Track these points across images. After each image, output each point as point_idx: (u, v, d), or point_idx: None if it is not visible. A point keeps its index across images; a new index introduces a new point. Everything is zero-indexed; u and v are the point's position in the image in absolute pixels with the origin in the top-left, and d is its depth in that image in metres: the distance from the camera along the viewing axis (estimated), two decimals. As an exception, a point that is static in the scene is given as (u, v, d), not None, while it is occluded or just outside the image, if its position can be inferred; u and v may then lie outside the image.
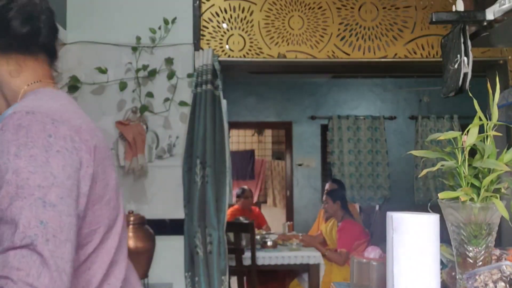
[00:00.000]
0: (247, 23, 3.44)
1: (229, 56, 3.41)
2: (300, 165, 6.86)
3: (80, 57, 3.27)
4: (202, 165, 3.17)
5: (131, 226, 2.79)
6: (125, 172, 3.20)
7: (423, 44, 3.51)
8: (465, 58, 1.73)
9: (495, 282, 1.06)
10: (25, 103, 0.99)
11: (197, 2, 3.38)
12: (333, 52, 3.47)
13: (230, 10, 3.44)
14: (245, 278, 4.20)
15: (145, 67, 3.27)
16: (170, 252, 3.23)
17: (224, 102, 3.29)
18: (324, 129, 6.79)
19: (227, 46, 3.42)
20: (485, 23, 1.76)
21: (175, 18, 3.30)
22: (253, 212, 5.36)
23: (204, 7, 3.43)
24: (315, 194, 6.79)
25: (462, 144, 1.14)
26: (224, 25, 3.43)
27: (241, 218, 4.47)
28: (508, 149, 1.14)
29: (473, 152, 1.15)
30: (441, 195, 1.15)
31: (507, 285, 1.06)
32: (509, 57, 3.48)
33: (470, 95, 1.31)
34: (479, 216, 1.11)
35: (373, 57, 3.49)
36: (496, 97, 1.17)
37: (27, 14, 1.05)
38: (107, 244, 1.04)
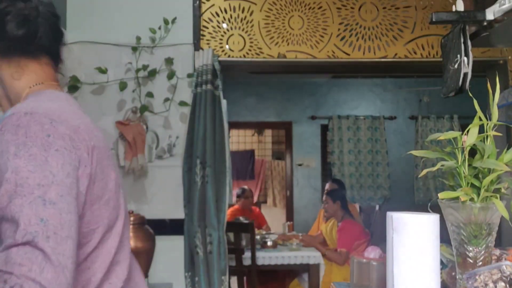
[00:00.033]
0: (247, 23, 3.44)
1: (229, 56, 3.41)
2: (300, 165, 6.86)
3: (80, 57, 3.27)
4: (202, 165, 3.17)
5: (131, 226, 2.79)
6: (125, 172, 3.20)
7: (423, 44, 3.51)
8: (465, 58, 1.73)
9: (495, 282, 1.06)
10: (24, 104, 1.01)
11: (197, 2, 3.38)
12: (333, 52, 3.47)
13: (230, 10, 3.44)
14: (245, 278, 4.19)
15: (145, 67, 3.27)
16: (170, 252, 3.23)
17: (224, 102, 3.29)
18: (324, 129, 6.79)
19: (227, 46, 3.42)
20: (485, 23, 1.76)
21: (175, 18, 3.30)
22: (253, 212, 5.36)
23: (204, 7, 3.43)
24: (315, 194, 6.79)
25: (462, 144, 1.14)
26: (224, 25, 3.43)
27: (241, 218, 4.47)
28: (508, 149, 1.14)
29: (473, 152, 1.15)
30: (441, 195, 1.15)
31: (507, 285, 1.06)
32: (509, 57, 3.48)
33: (470, 95, 1.31)
34: (479, 216, 1.11)
35: (373, 57, 3.49)
36: (496, 97, 1.17)
37: (23, 17, 1.07)
38: (107, 244, 1.05)
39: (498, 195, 1.11)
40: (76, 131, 0.99)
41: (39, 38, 1.09)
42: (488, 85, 1.18)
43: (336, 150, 6.58)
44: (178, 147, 3.33)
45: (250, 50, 3.43)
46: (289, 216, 6.80)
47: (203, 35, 3.42)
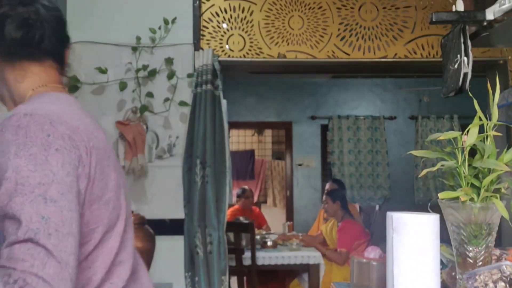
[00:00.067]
0: (247, 23, 3.44)
1: (229, 56, 3.41)
2: (300, 165, 6.86)
3: (80, 57, 3.27)
4: (202, 165, 3.17)
5: (131, 226, 2.79)
6: (125, 172, 3.20)
7: (423, 44, 3.51)
8: (465, 58, 1.73)
9: (495, 282, 1.06)
10: (25, 106, 1.03)
11: (197, 2, 3.38)
12: (333, 52, 3.47)
13: (230, 10, 3.44)
14: (245, 278, 4.19)
15: (145, 67, 3.27)
16: (170, 252, 3.23)
17: (224, 102, 3.28)
18: (324, 129, 6.79)
19: (227, 46, 3.42)
20: (485, 23, 1.76)
21: (175, 18, 3.30)
22: (254, 212, 5.36)
23: (204, 7, 3.43)
24: (315, 194, 6.79)
25: (462, 144, 1.14)
26: (224, 25, 3.43)
27: (241, 218, 4.47)
28: (508, 149, 1.14)
29: (473, 152, 1.15)
30: (441, 195, 1.15)
31: (507, 285, 1.06)
32: (509, 57, 3.48)
33: (470, 95, 1.31)
34: (479, 216, 1.11)
35: (373, 57, 3.49)
36: (496, 97, 1.17)
37: (23, 21, 1.09)
38: (108, 244, 1.06)
39: (498, 195, 1.11)
40: (75, 131, 1.00)
41: (42, 42, 1.11)
42: (488, 85, 1.18)
43: (336, 150, 6.58)
44: (178, 147, 3.33)
45: (250, 50, 3.43)
46: (289, 216, 6.79)
47: (203, 35, 3.42)
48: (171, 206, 3.31)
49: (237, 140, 8.76)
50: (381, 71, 5.43)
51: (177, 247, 3.25)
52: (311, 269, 4.16)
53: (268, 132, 8.88)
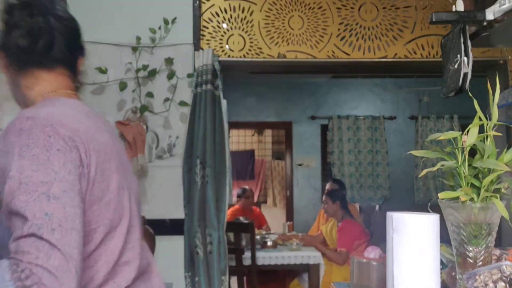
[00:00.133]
0: (247, 23, 3.44)
1: (229, 56, 3.41)
2: (300, 165, 6.86)
3: (80, 57, 3.26)
4: (202, 165, 3.17)
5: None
6: (125, 172, 3.20)
7: (423, 44, 3.51)
8: (465, 58, 1.73)
9: (495, 282, 1.06)
10: (28, 110, 1.08)
11: (197, 2, 3.38)
12: (333, 52, 3.47)
13: (230, 10, 3.44)
14: (245, 278, 4.19)
15: (145, 67, 3.27)
16: (170, 252, 3.22)
17: (224, 102, 3.28)
18: (324, 129, 6.79)
19: (227, 46, 3.42)
20: (485, 23, 1.76)
21: (175, 18, 3.30)
22: (254, 212, 5.36)
23: (204, 7, 3.43)
24: (315, 194, 6.79)
25: (462, 144, 1.14)
26: (224, 25, 3.43)
27: (241, 218, 4.47)
28: (508, 149, 1.14)
29: (473, 152, 1.15)
30: (441, 195, 1.15)
31: (507, 285, 1.06)
32: (509, 57, 3.48)
33: (470, 95, 1.31)
34: (479, 216, 1.11)
35: (373, 57, 3.49)
36: (496, 97, 1.17)
37: (29, 31, 1.14)
38: (110, 244, 1.08)
39: (498, 195, 1.11)
40: (75, 133, 1.04)
41: (51, 50, 1.16)
42: (488, 85, 1.18)
43: (336, 150, 6.58)
44: (178, 147, 3.33)
45: (250, 50, 3.43)
46: (289, 216, 6.79)
47: (203, 35, 3.42)
48: (171, 206, 3.31)
49: (237, 140, 8.76)
50: (381, 71, 5.43)
51: (177, 247, 3.25)
52: (311, 269, 4.16)
53: (268, 132, 8.89)
